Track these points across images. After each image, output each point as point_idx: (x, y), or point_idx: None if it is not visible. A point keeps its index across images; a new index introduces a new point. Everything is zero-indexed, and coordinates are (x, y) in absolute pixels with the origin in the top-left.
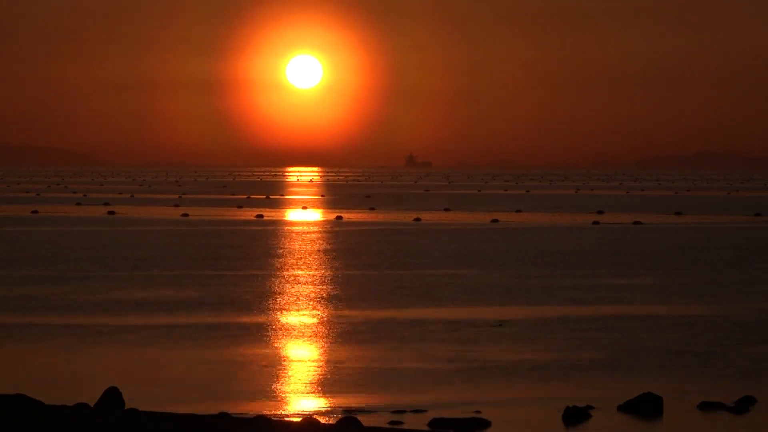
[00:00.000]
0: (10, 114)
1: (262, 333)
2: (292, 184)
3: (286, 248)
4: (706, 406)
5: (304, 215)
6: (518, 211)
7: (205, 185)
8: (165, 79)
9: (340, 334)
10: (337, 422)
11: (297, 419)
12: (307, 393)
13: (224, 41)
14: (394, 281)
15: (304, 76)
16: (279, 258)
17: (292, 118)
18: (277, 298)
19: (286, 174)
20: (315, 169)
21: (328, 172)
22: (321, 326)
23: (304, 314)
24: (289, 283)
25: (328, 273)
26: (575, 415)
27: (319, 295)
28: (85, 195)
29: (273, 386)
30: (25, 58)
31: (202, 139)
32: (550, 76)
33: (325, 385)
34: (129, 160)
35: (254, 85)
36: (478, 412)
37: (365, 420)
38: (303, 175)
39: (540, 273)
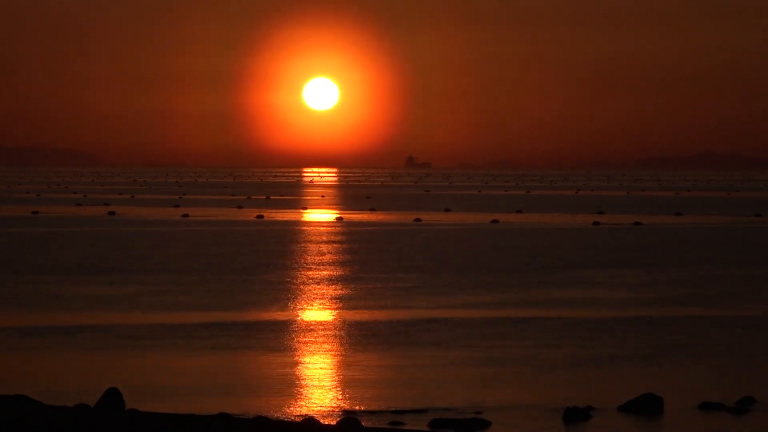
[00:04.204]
0: (11, 114)
1: (262, 333)
2: (293, 185)
3: (287, 249)
4: (706, 406)
5: (304, 216)
6: (519, 211)
7: (207, 186)
8: (177, 80)
9: (339, 335)
10: (338, 423)
11: (297, 419)
12: (308, 393)
13: (246, 43)
14: (393, 282)
15: (320, 97)
16: (279, 258)
17: (308, 126)
18: (277, 298)
19: (286, 175)
20: (331, 170)
21: (330, 174)
22: (320, 326)
23: (304, 315)
24: (289, 283)
25: (327, 274)
26: (575, 415)
27: (318, 296)
28: (85, 195)
29: (273, 386)
30: (25, 58)
31: (213, 143)
32: (550, 76)
33: (325, 386)
34: (151, 161)
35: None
36: (478, 412)
37: (365, 420)
38: (304, 176)
39: (540, 273)
